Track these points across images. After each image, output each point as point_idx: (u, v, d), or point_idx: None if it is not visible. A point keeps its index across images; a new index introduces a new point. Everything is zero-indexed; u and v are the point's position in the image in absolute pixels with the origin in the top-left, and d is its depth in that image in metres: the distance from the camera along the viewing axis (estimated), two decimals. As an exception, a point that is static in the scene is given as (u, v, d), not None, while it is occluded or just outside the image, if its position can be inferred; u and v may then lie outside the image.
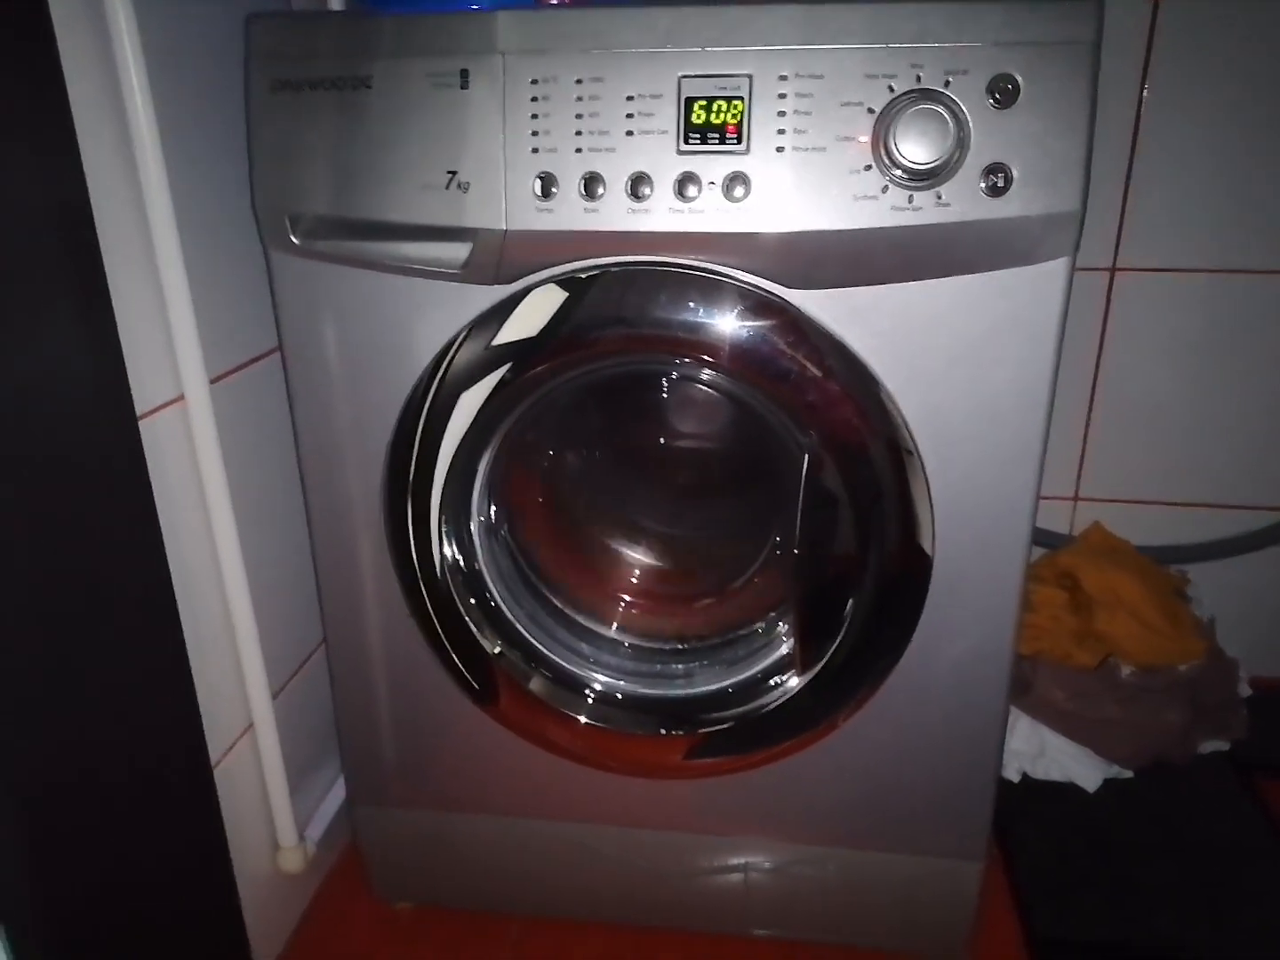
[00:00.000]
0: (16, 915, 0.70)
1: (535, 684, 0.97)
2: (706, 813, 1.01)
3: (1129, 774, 1.27)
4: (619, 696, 0.98)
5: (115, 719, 0.79)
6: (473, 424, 0.86)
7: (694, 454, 1.05)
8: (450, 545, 0.92)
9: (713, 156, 0.75)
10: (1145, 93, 1.25)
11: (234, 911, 0.98)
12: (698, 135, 0.75)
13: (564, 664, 0.98)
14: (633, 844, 1.05)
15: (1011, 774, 1.29)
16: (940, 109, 0.71)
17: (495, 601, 0.96)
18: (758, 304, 0.79)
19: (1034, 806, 1.25)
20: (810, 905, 1.05)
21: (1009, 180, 0.73)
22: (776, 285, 0.79)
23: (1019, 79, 0.71)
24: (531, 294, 0.81)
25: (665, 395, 1.00)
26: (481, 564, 0.96)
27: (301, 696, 1.10)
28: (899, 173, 0.73)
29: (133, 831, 0.82)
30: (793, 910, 1.06)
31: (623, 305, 0.81)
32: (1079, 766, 1.27)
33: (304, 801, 1.11)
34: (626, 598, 1.07)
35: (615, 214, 0.77)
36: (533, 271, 0.81)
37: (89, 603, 0.75)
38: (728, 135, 0.75)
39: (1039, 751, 1.28)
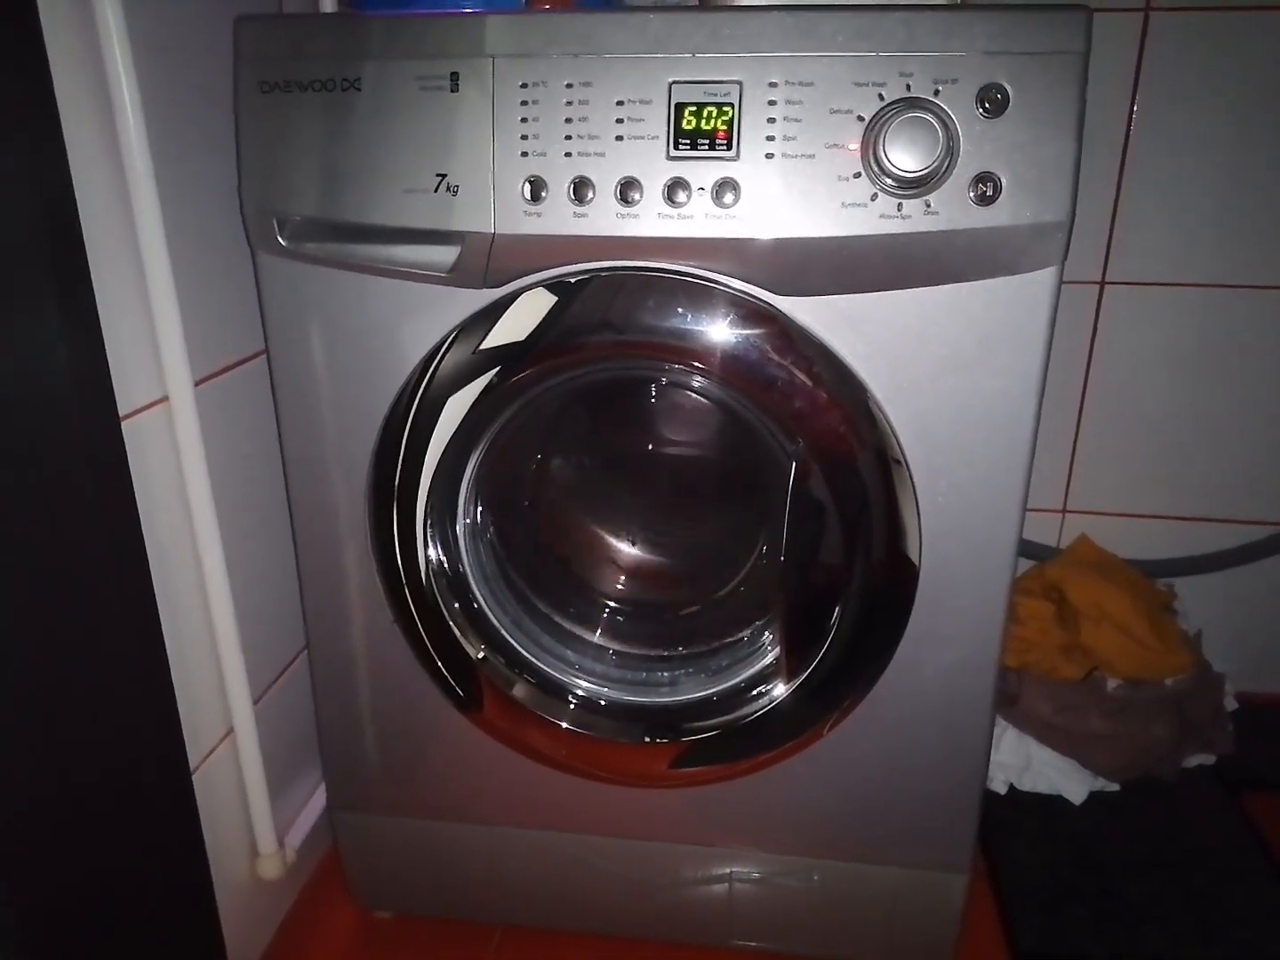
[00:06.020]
0: (-13, 920, 0.69)
1: (519, 690, 0.96)
2: (691, 822, 1.01)
3: (1115, 787, 1.27)
4: (603, 703, 0.98)
5: (92, 722, 0.78)
6: (459, 428, 0.85)
7: (681, 461, 1.04)
8: (435, 548, 0.91)
9: (702, 162, 0.75)
10: (1135, 105, 1.26)
11: (211, 919, 0.96)
12: (687, 141, 0.75)
13: (548, 670, 0.98)
14: (616, 854, 1.04)
15: (998, 786, 1.28)
16: (929, 117, 0.71)
17: (479, 605, 0.96)
18: (746, 311, 0.79)
19: (1020, 819, 1.25)
20: (795, 917, 1.05)
21: (998, 189, 0.73)
22: (765, 292, 0.79)
23: (1008, 88, 0.71)
24: (520, 298, 0.81)
25: (653, 401, 1.00)
26: (466, 567, 0.95)
27: (283, 702, 1.09)
28: (888, 180, 0.73)
29: (108, 837, 0.81)
30: (777, 922, 1.06)
31: (611, 310, 0.80)
32: (1065, 779, 1.27)
33: (284, 808, 1.10)
34: (612, 604, 1.07)
35: (604, 219, 0.77)
36: (521, 276, 0.81)
37: (68, 604, 0.74)
38: (717, 141, 0.75)
39: (1025, 764, 1.28)
